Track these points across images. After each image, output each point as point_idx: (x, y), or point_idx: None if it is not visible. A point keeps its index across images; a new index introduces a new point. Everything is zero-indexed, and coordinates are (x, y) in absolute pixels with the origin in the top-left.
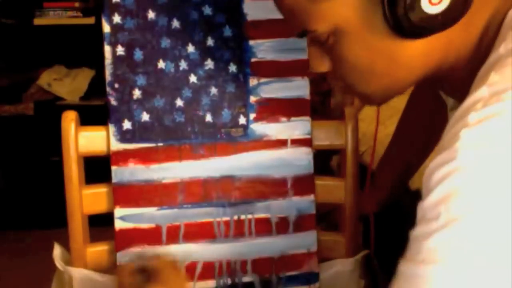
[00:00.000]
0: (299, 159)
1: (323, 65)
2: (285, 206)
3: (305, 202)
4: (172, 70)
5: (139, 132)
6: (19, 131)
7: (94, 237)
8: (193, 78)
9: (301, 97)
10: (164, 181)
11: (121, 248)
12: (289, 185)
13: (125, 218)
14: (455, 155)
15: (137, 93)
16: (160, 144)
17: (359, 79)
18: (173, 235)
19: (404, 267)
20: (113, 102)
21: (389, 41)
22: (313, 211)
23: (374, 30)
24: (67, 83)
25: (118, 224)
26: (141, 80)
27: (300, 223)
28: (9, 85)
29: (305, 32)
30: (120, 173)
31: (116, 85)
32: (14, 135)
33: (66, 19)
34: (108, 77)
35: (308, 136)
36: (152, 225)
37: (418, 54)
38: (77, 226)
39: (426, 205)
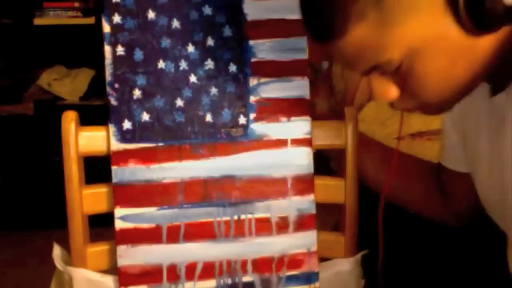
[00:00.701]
0: (299, 159)
1: (391, 93)
2: (285, 206)
3: (305, 202)
4: (172, 70)
5: (139, 132)
6: (19, 131)
7: (94, 237)
8: (193, 78)
9: (301, 97)
10: (164, 181)
11: (121, 248)
12: (289, 185)
13: (125, 218)
14: None
15: (137, 93)
16: (160, 144)
17: (439, 91)
18: (174, 235)
19: None
20: (113, 102)
21: (463, 42)
22: (313, 211)
23: (449, 37)
24: (67, 83)
25: (119, 224)
26: (141, 80)
27: (300, 223)
28: (9, 85)
29: (376, 66)
30: (120, 173)
31: (116, 85)
32: (14, 135)
33: (66, 19)
34: (108, 77)
35: (308, 136)
36: (153, 225)
37: (488, 47)
38: (77, 226)
39: None
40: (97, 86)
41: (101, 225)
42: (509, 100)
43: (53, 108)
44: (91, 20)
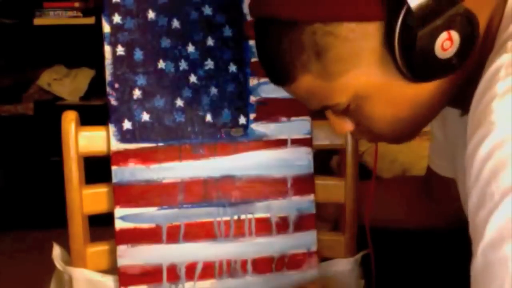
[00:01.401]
0: (299, 159)
1: (346, 127)
2: (285, 206)
3: (305, 202)
4: (172, 70)
5: (139, 132)
6: (19, 131)
7: (94, 237)
8: (193, 78)
9: None
10: (164, 181)
11: (121, 248)
12: (289, 185)
13: (125, 218)
14: (492, 128)
15: (137, 93)
16: (160, 144)
17: (386, 129)
18: (173, 235)
19: (477, 262)
20: (113, 102)
21: (407, 90)
22: (313, 211)
23: (392, 84)
24: (67, 83)
25: (119, 224)
26: (141, 80)
27: (300, 223)
28: (9, 85)
29: (325, 107)
30: (121, 173)
31: (116, 85)
32: (14, 135)
33: (66, 19)
34: (108, 77)
35: (308, 136)
36: (152, 225)
37: (436, 90)
38: (77, 226)
39: (477, 190)
40: (97, 86)
41: (101, 225)
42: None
43: (53, 108)
44: (91, 20)
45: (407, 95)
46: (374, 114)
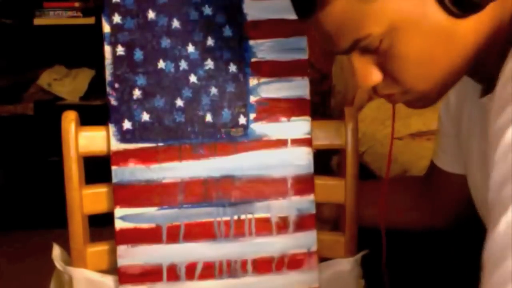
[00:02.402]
0: (299, 159)
1: (374, 76)
2: (285, 206)
3: (305, 202)
4: (172, 70)
5: (139, 132)
6: (19, 131)
7: (94, 237)
8: (193, 78)
9: (301, 97)
10: (164, 181)
11: (121, 248)
12: (289, 185)
13: (125, 218)
14: None
15: (137, 93)
16: (160, 144)
17: (419, 75)
18: (173, 235)
19: (499, 234)
20: (113, 102)
21: (444, 23)
22: (313, 211)
23: (430, 15)
24: (67, 83)
25: (119, 224)
26: (141, 80)
27: (300, 223)
28: (9, 85)
29: (356, 42)
30: (120, 173)
31: (116, 85)
32: (14, 135)
33: (66, 19)
34: (108, 77)
35: (308, 136)
36: (153, 225)
37: (470, 31)
38: (77, 226)
39: (506, 165)
40: (97, 86)
41: (101, 225)
42: (492, 101)
43: (53, 108)
44: (91, 20)
45: (444, 31)
46: (405, 51)
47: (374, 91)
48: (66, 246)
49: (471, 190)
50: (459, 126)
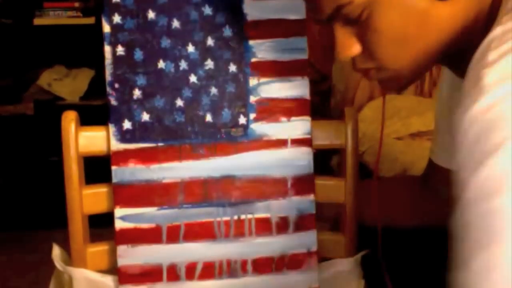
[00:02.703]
0: (299, 159)
1: (353, 48)
2: (285, 206)
3: (305, 202)
4: (172, 70)
5: (139, 132)
6: (19, 131)
7: (94, 237)
8: (193, 78)
9: (301, 97)
10: (164, 181)
11: (121, 248)
12: (289, 185)
13: (125, 218)
14: (482, 92)
15: (137, 93)
16: (160, 144)
17: (391, 51)
18: (174, 235)
19: (466, 217)
20: (113, 102)
21: (423, 4)
22: (313, 211)
23: None
24: (67, 83)
25: (119, 224)
26: (141, 80)
27: (300, 223)
28: (9, 85)
29: (339, 8)
30: (121, 173)
31: (116, 85)
32: (14, 135)
33: (66, 19)
34: (108, 77)
35: (308, 136)
36: (153, 225)
37: (446, 15)
38: (77, 226)
39: (465, 150)
40: (97, 86)
41: (101, 225)
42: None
43: (53, 108)
44: (91, 20)
45: (418, 9)
46: (383, 25)
47: (353, 65)
48: (66, 246)
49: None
50: (451, 125)
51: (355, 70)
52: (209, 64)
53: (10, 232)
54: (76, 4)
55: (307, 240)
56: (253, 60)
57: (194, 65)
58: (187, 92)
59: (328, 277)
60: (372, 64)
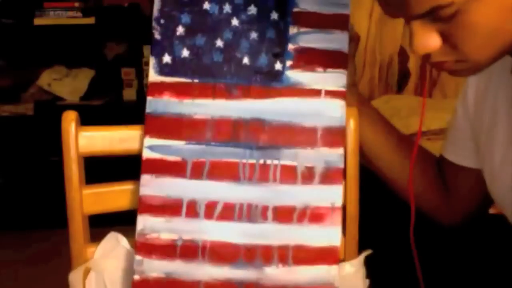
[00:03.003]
0: (332, 111)
1: (434, 41)
2: (312, 156)
3: (333, 155)
4: (216, 12)
5: (177, 67)
6: (19, 131)
7: (94, 237)
8: (235, 22)
9: (339, 49)
10: (195, 116)
11: (145, 177)
12: (318, 136)
13: (153, 148)
14: None
15: (180, 30)
16: (196, 80)
17: (481, 45)
18: (198, 171)
19: None
20: (156, 36)
21: None
22: (341, 165)
23: None
24: (67, 83)
25: (146, 153)
26: (185, 18)
27: (327, 176)
28: (9, 85)
29: (435, 9)
30: (155, 103)
31: (162, 21)
32: (14, 135)
33: (66, 19)
34: (155, 12)
35: (343, 89)
36: (179, 158)
37: None
38: (77, 227)
39: None
40: (97, 86)
41: (101, 225)
42: None
43: (53, 108)
44: (91, 20)
45: None
46: (478, 22)
47: (426, 58)
48: (66, 246)
49: (488, 182)
50: (478, 115)
51: (428, 63)
52: (252, 9)
53: (10, 232)
54: (76, 4)
55: (332, 194)
56: (296, 9)
57: (238, 9)
58: (227, 34)
59: None
60: (453, 56)
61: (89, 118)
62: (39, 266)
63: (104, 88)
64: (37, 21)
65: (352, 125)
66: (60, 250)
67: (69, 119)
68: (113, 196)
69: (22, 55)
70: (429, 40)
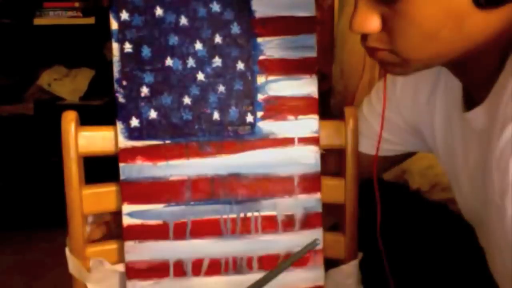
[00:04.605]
0: (306, 158)
1: (373, 23)
2: (291, 204)
3: (311, 201)
4: (180, 67)
5: (146, 130)
6: (19, 131)
7: None
8: (200, 76)
9: (309, 95)
10: (171, 178)
11: (129, 244)
12: (295, 183)
13: (132, 214)
14: None
15: (144, 91)
16: (168, 141)
17: (416, 42)
18: (180, 232)
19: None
20: (120, 99)
21: (464, 6)
22: (320, 210)
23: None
24: (67, 83)
25: (126, 220)
26: (149, 77)
27: (307, 221)
28: (9, 85)
29: None
30: (128, 170)
31: (124, 83)
32: (14, 135)
33: (66, 19)
34: (115, 74)
35: (316, 135)
36: (160, 221)
37: (482, 24)
38: (77, 226)
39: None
40: (97, 86)
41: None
42: (487, 116)
43: (53, 108)
44: (91, 20)
45: (460, 12)
46: (419, 15)
47: (363, 40)
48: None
49: (457, 197)
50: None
51: (363, 46)
52: (217, 61)
53: (10, 232)
54: (76, 4)
55: (313, 238)
56: (261, 57)
57: (202, 63)
58: (194, 90)
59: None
60: (387, 46)
61: (89, 118)
62: (39, 266)
63: (104, 88)
64: (37, 21)
65: (351, 125)
66: (60, 250)
67: (69, 119)
68: (112, 196)
69: (22, 55)
70: (369, 20)
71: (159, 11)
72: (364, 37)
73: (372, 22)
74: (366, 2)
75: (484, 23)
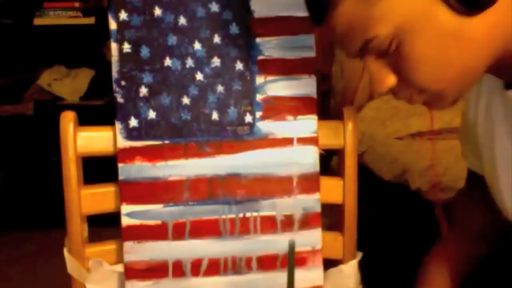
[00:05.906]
0: (305, 158)
1: (389, 80)
2: (290, 204)
3: (310, 201)
4: (179, 67)
5: (145, 130)
6: (19, 131)
7: (94, 237)
8: (199, 76)
9: (308, 95)
10: (170, 178)
11: (128, 244)
12: (294, 183)
13: (131, 214)
14: None
15: (143, 91)
16: (166, 141)
17: (432, 75)
18: (179, 232)
19: None
20: (119, 99)
21: (452, 23)
22: (318, 209)
23: (437, 15)
24: (67, 83)
25: (125, 221)
26: (147, 77)
27: (305, 221)
28: (9, 85)
29: (366, 43)
30: (127, 170)
31: (123, 83)
32: (14, 135)
33: (66, 19)
34: (114, 74)
35: (314, 135)
36: (159, 221)
37: (483, 30)
38: (75, 227)
39: None
40: (97, 86)
41: (100, 225)
42: None
43: (53, 108)
44: (91, 20)
45: (453, 31)
46: (418, 53)
47: (393, 94)
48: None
49: (493, 193)
50: (478, 127)
51: (398, 99)
52: (216, 61)
53: (10, 232)
54: (76, 4)
55: (312, 238)
56: (260, 58)
57: (201, 63)
58: (193, 90)
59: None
60: (412, 89)
61: (89, 118)
62: (38, 265)
63: (104, 88)
64: (37, 21)
65: (350, 126)
66: (59, 249)
67: (67, 119)
68: (111, 196)
69: (22, 55)
70: (385, 77)
71: (158, 11)
72: (393, 91)
73: (388, 80)
74: (373, 61)
75: (484, 27)
